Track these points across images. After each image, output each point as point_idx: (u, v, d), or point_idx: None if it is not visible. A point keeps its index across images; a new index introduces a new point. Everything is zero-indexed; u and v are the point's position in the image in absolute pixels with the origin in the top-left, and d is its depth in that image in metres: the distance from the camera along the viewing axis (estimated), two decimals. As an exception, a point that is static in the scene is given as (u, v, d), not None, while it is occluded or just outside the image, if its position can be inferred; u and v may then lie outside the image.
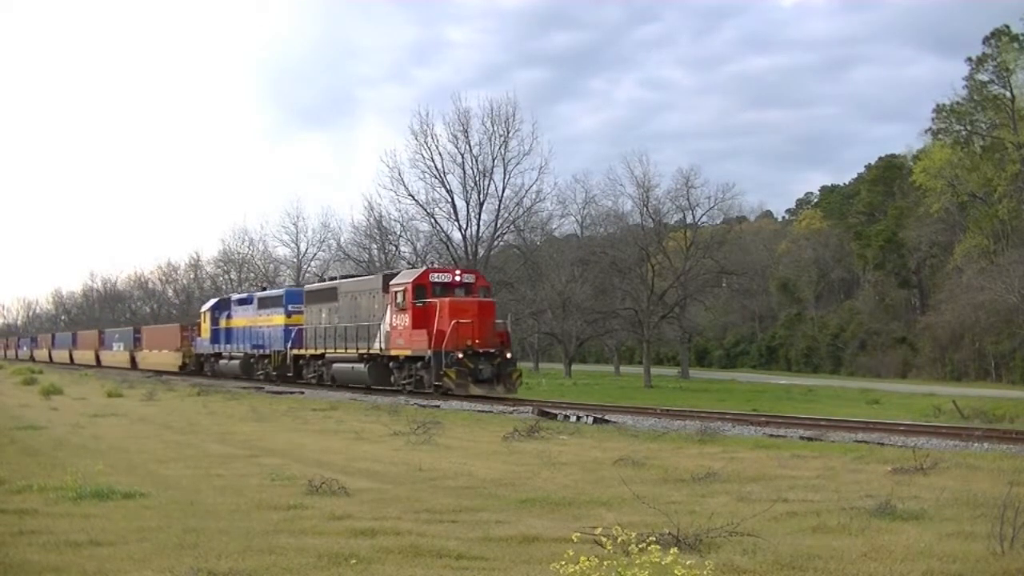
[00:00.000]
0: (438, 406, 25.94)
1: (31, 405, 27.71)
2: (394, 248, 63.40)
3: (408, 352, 29.46)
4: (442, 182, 57.30)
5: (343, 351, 33.53)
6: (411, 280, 29.62)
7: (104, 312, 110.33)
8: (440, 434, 17.03)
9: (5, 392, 36.42)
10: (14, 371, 56.96)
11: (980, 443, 14.65)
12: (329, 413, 24.00)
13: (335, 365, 34.57)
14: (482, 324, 28.34)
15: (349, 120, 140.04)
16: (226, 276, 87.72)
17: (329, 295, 36.09)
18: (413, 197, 57.58)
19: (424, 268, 32.53)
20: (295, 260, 75.95)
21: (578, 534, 6.85)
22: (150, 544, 7.80)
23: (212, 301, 51.03)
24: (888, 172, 79.55)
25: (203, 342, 48.92)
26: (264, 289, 50.43)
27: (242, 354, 43.94)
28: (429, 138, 56.76)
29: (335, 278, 40.05)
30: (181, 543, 7.74)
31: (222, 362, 46.39)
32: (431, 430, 17.00)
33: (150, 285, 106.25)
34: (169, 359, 54.99)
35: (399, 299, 29.58)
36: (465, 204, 57.57)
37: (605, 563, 5.76)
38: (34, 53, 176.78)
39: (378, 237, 63.08)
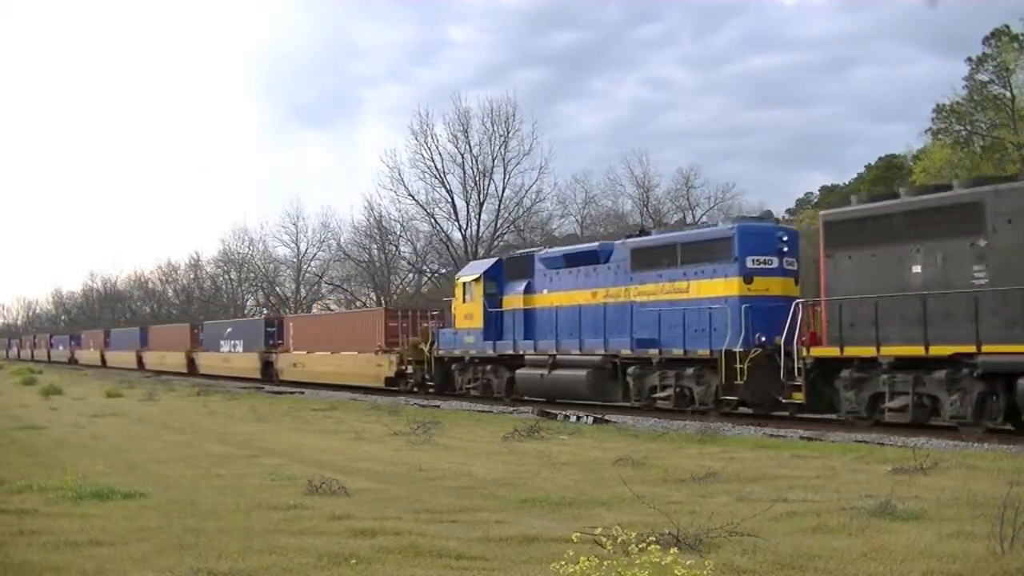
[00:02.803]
0: (438, 406, 25.94)
1: (31, 405, 27.77)
2: (394, 248, 63.41)
3: None
4: (442, 182, 57.32)
5: None
6: None
7: (104, 312, 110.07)
8: (440, 434, 17.04)
9: (5, 392, 36.47)
10: (14, 371, 56.99)
11: (980, 443, 14.65)
12: (329, 413, 24.03)
13: None
14: None
15: (349, 120, 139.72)
16: (226, 276, 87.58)
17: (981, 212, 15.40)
18: (413, 197, 57.58)
19: None
20: (295, 260, 75.90)
21: (578, 534, 6.84)
22: (150, 544, 7.80)
23: (485, 263, 28.87)
24: (888, 172, 79.39)
25: (461, 336, 28.34)
26: (644, 233, 24.63)
27: (599, 356, 22.80)
28: (429, 138, 56.76)
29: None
30: (181, 543, 7.74)
31: (523, 372, 25.35)
32: (431, 430, 17.01)
33: (150, 285, 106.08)
34: (361, 367, 34.73)
35: None
36: (465, 204, 57.64)
37: (605, 563, 5.75)
38: (34, 53, 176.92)
39: (378, 237, 63.08)
